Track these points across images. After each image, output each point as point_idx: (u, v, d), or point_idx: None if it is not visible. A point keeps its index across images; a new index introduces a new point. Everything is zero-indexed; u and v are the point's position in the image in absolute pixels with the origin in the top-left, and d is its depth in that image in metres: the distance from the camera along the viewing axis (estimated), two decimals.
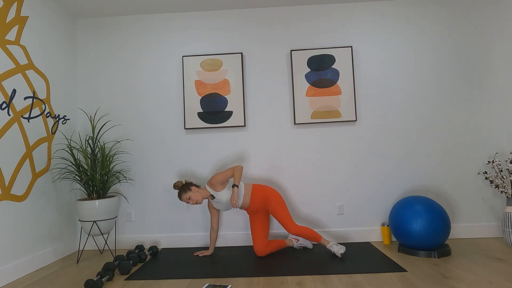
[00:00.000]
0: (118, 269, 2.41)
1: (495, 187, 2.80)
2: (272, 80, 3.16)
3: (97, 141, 2.99)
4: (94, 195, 2.85)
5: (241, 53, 3.14)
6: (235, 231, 3.09)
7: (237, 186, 2.57)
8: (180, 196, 2.63)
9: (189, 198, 2.58)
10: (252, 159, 3.12)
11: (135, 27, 3.25)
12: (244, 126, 3.10)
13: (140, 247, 2.83)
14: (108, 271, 2.30)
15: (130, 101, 3.21)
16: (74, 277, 2.37)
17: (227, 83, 3.14)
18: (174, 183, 2.68)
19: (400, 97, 3.09)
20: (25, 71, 2.58)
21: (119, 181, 3.15)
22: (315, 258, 2.57)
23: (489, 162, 2.86)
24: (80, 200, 2.73)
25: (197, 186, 2.69)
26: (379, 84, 3.11)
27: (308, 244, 2.84)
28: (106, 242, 2.83)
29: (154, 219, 3.14)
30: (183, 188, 2.63)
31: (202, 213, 3.12)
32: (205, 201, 3.11)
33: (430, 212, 2.48)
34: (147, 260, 2.72)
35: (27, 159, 2.55)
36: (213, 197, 2.62)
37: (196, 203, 2.59)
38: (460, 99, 3.06)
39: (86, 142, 2.94)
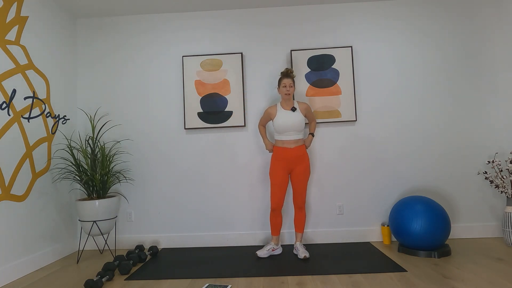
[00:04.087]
0: (118, 269, 2.41)
1: (495, 187, 2.80)
2: (272, 80, 3.16)
3: (97, 141, 2.99)
4: (94, 195, 2.85)
5: (241, 53, 3.15)
6: (235, 231, 3.09)
7: (313, 135, 2.78)
8: (286, 78, 2.67)
9: (291, 86, 2.66)
10: (252, 159, 3.11)
11: (135, 27, 3.25)
12: (244, 126, 3.10)
13: (140, 247, 2.83)
14: (108, 271, 2.31)
15: (130, 101, 3.21)
16: (74, 277, 2.37)
17: (227, 83, 3.14)
18: (289, 69, 2.70)
19: (400, 97, 3.09)
20: (25, 71, 2.58)
21: (119, 181, 3.15)
22: (315, 258, 2.57)
23: (489, 162, 2.86)
24: (80, 200, 2.74)
25: None
26: (379, 84, 3.11)
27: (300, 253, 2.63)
28: (106, 242, 2.83)
29: (154, 219, 3.14)
30: (293, 77, 2.71)
31: (202, 213, 3.12)
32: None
33: (430, 212, 2.48)
34: (147, 260, 2.72)
35: (27, 159, 2.55)
36: (294, 109, 2.66)
37: (286, 93, 2.64)
38: (460, 99, 3.06)
39: (86, 142, 2.94)
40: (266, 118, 2.80)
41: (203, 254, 2.82)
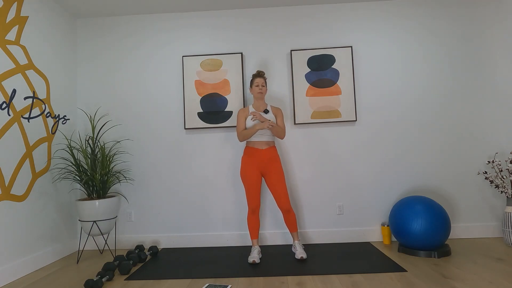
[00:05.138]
0: (118, 269, 2.41)
1: (495, 187, 2.80)
2: (272, 80, 3.16)
3: (97, 141, 2.99)
4: (94, 195, 2.85)
5: (241, 53, 3.14)
6: (235, 231, 3.09)
7: (273, 125, 2.52)
8: (257, 78, 2.71)
9: (263, 86, 2.70)
10: None
11: (136, 27, 3.25)
12: None
13: (140, 247, 2.83)
14: (108, 271, 2.31)
15: (130, 101, 3.21)
16: (74, 277, 2.37)
17: (227, 83, 3.14)
18: (261, 71, 2.76)
19: (400, 97, 3.09)
20: (25, 71, 2.58)
21: (119, 181, 3.15)
22: (315, 258, 2.57)
23: (489, 162, 2.86)
24: (80, 200, 2.74)
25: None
26: (379, 84, 3.11)
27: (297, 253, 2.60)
28: (106, 242, 2.83)
29: (154, 219, 3.14)
30: (265, 78, 2.77)
31: (202, 213, 3.12)
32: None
33: (430, 212, 2.48)
34: (147, 260, 2.72)
35: (27, 159, 2.55)
36: (267, 111, 2.69)
37: (259, 92, 2.68)
38: (460, 99, 3.06)
39: (86, 142, 2.94)
40: (242, 122, 2.68)
41: (203, 254, 2.82)
